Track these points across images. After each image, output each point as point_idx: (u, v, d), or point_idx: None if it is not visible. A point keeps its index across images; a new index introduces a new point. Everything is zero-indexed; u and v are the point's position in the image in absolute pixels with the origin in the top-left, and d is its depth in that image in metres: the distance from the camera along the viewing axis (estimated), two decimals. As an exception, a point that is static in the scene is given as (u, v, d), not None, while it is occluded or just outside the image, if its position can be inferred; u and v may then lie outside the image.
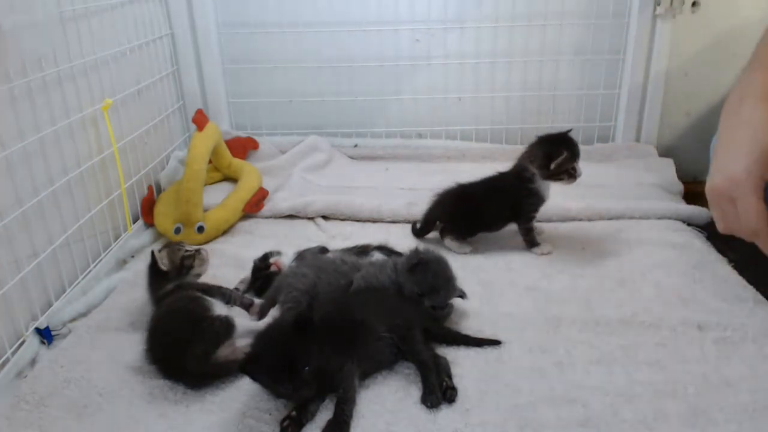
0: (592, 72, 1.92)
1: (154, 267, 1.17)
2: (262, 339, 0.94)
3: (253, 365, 0.91)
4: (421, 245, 1.22)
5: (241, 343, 1.06)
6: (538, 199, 1.39)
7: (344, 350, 0.98)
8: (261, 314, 1.17)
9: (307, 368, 0.89)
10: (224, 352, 1.04)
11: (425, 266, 1.12)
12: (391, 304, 1.09)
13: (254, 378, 0.93)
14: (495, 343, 1.10)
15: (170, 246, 1.22)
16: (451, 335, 1.11)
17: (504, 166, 1.45)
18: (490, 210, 1.42)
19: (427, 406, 0.96)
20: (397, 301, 1.11)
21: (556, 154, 1.33)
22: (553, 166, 1.33)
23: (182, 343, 1.02)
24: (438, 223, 1.48)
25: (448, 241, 1.45)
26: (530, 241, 1.42)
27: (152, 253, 1.18)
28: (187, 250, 1.21)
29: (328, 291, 1.14)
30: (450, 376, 1.01)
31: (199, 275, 1.22)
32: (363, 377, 1.02)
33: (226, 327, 1.05)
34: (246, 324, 1.12)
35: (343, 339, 0.99)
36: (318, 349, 0.91)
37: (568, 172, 1.35)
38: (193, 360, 1.01)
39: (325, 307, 1.10)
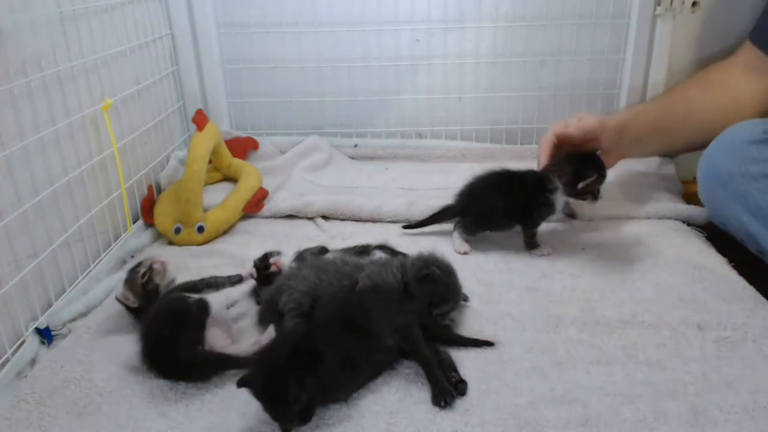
0: (592, 72, 1.93)
1: (128, 309, 1.17)
2: (261, 358, 0.94)
3: (251, 383, 0.91)
4: (427, 250, 1.21)
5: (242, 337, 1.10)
6: (550, 211, 1.40)
7: (349, 364, 0.98)
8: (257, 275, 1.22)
9: (297, 401, 0.88)
10: (219, 342, 1.06)
11: (436, 278, 1.13)
12: (395, 306, 1.09)
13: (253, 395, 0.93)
14: (489, 344, 1.10)
15: (127, 281, 1.17)
16: (446, 336, 1.11)
17: (502, 166, 1.46)
18: (498, 209, 1.42)
19: (441, 406, 0.95)
20: (400, 301, 1.11)
21: (585, 174, 1.33)
22: (580, 185, 1.34)
23: (171, 338, 1.03)
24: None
25: (455, 235, 1.46)
26: (531, 243, 1.43)
27: (117, 300, 1.16)
28: (142, 274, 1.17)
29: (331, 292, 1.14)
30: (456, 370, 1.01)
31: (171, 283, 1.20)
32: (366, 383, 1.01)
33: (202, 307, 1.06)
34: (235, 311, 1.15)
35: (348, 352, 0.98)
36: (315, 374, 0.90)
37: (592, 193, 1.36)
38: (186, 350, 1.01)
39: (330, 312, 1.08)
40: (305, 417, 0.90)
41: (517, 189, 1.41)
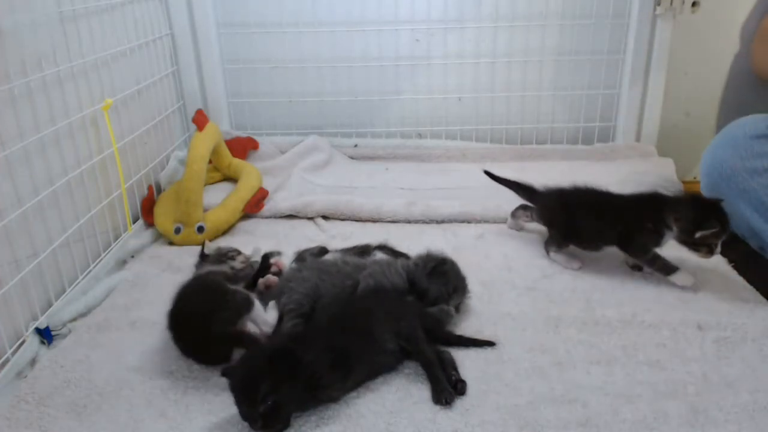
0: (592, 72, 1.93)
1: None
2: (248, 355, 0.95)
3: (230, 376, 0.93)
4: (427, 249, 1.23)
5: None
6: (657, 242, 1.26)
7: (347, 365, 0.98)
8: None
9: (267, 404, 0.88)
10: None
11: (448, 269, 1.15)
12: (397, 307, 1.09)
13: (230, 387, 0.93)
14: (489, 344, 1.10)
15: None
16: (446, 336, 1.11)
17: (502, 166, 1.45)
18: (591, 231, 1.32)
19: (443, 404, 0.96)
20: (402, 303, 1.11)
21: (707, 225, 1.18)
22: (698, 235, 1.19)
23: (207, 311, 1.05)
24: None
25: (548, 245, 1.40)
26: (663, 268, 1.26)
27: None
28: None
29: (332, 293, 1.14)
30: (456, 369, 1.02)
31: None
32: (364, 383, 1.01)
33: (246, 301, 1.09)
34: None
35: (342, 352, 0.98)
36: (293, 382, 0.91)
37: (709, 246, 1.20)
38: (218, 324, 1.03)
39: (331, 313, 1.08)
40: (269, 422, 0.89)
41: (615, 214, 1.29)
